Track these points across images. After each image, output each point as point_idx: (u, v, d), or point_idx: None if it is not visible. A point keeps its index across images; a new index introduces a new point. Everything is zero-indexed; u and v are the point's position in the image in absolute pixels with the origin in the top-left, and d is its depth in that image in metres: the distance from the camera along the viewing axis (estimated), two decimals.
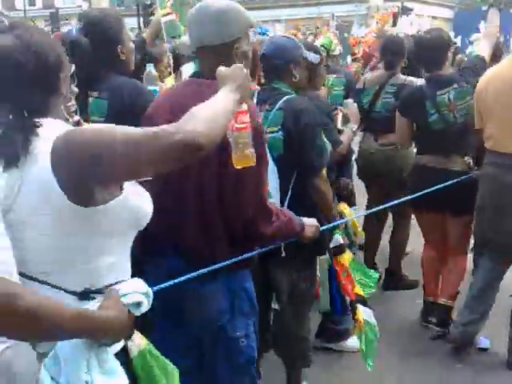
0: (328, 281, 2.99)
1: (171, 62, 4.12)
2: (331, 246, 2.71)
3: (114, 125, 1.43)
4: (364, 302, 2.75)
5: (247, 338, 2.23)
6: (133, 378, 1.52)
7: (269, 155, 2.28)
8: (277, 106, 2.62)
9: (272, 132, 2.59)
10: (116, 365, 1.45)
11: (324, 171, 2.74)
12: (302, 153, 2.59)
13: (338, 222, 2.84)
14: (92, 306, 1.42)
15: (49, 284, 1.43)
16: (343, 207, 3.38)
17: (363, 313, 2.69)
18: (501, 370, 3.37)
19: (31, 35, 1.49)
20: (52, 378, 1.39)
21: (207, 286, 2.06)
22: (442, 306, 3.74)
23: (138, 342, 1.57)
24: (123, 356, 1.51)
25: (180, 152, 1.34)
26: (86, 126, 1.69)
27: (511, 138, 3.20)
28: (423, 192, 3.20)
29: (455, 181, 3.34)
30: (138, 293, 1.46)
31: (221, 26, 2.06)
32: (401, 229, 4.51)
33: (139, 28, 13.94)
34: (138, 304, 1.46)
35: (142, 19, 14.67)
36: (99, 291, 1.46)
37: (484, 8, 23.39)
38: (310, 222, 2.38)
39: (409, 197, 3.31)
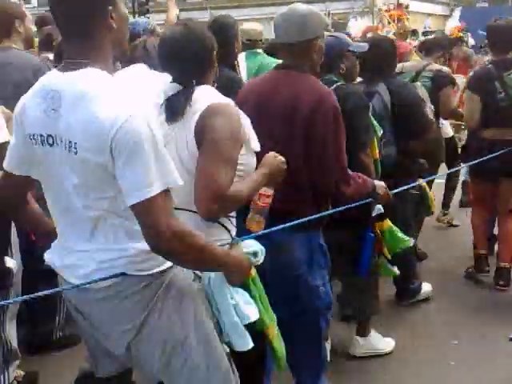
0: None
1: None
2: (373, 214, 3.01)
3: (237, 133, 1.96)
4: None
5: (325, 286, 2.66)
6: None
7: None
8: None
9: None
10: (249, 298, 1.97)
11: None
12: (351, 130, 2.83)
13: (412, 184, 3.28)
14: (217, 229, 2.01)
15: (191, 211, 1.94)
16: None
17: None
18: None
19: (194, 25, 2.08)
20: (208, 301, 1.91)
21: (291, 238, 2.48)
22: (504, 269, 4.27)
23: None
24: None
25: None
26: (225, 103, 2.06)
27: None
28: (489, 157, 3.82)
29: None
30: (253, 246, 1.99)
31: (305, 26, 2.51)
32: None
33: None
34: (255, 254, 1.97)
35: (137, 16, 14.66)
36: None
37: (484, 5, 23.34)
38: (379, 183, 2.77)
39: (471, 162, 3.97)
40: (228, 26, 3.58)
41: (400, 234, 3.16)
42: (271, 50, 4.50)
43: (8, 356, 2.96)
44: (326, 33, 2.95)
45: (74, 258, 1.77)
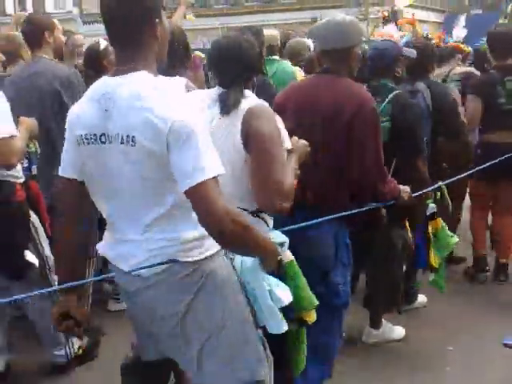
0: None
1: None
2: (427, 213, 3.25)
3: (280, 142, 2.19)
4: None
5: (345, 286, 2.78)
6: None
7: None
8: (387, 100, 3.19)
9: (381, 122, 3.06)
10: (281, 282, 2.06)
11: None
12: (410, 139, 3.19)
13: (426, 190, 3.31)
14: (257, 222, 2.18)
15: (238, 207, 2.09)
16: None
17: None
18: None
19: (246, 35, 2.39)
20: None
21: (320, 234, 2.62)
22: (504, 265, 4.49)
23: (288, 255, 2.19)
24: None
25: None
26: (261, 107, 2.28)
27: None
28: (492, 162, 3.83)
29: None
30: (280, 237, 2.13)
31: (344, 34, 2.71)
32: None
33: None
34: (281, 244, 2.08)
35: None
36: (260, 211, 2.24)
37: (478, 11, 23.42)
38: (404, 187, 2.92)
39: (478, 168, 3.89)
40: (258, 32, 3.66)
41: (449, 232, 3.43)
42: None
43: None
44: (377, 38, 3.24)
45: (126, 248, 1.89)
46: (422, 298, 4.09)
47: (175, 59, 2.90)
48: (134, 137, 1.76)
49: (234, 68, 2.26)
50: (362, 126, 2.63)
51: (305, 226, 2.44)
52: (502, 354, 3.47)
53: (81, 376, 3.29)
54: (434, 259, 3.41)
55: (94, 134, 1.84)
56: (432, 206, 3.21)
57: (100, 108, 1.82)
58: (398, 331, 3.65)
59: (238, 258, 2.04)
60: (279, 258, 2.02)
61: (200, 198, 1.71)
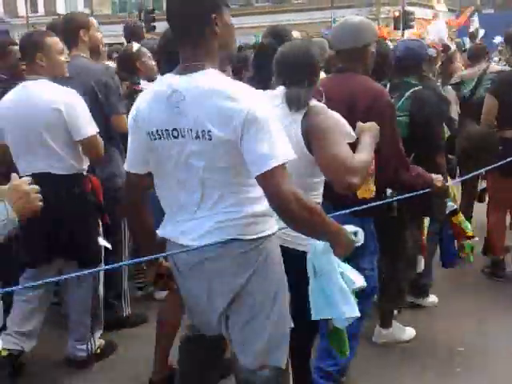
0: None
1: None
2: (448, 211, 3.33)
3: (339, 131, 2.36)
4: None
5: (372, 271, 2.91)
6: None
7: None
8: (405, 96, 3.29)
9: (399, 116, 3.14)
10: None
11: None
12: (428, 135, 3.27)
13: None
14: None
15: None
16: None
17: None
18: None
19: (310, 41, 2.81)
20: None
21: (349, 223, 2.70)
22: None
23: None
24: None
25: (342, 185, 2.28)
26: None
27: None
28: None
29: None
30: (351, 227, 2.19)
31: (358, 34, 2.85)
32: None
33: None
34: (355, 234, 2.14)
35: (143, 25, 14.72)
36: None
37: (490, 11, 23.31)
38: (437, 176, 3.01)
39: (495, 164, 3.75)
40: (285, 32, 3.75)
41: (468, 225, 3.52)
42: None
43: (95, 324, 3.33)
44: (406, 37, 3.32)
45: (188, 225, 2.02)
46: (433, 298, 4.08)
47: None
48: (209, 131, 1.87)
49: (305, 70, 2.44)
50: (378, 118, 2.66)
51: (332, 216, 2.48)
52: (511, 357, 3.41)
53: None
54: (466, 231, 3.50)
55: (166, 130, 1.96)
56: (451, 204, 3.30)
57: (170, 105, 1.93)
58: (409, 332, 3.64)
59: (311, 244, 2.15)
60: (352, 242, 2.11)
61: (271, 182, 1.84)
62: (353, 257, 2.64)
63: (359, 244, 2.17)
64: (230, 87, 1.89)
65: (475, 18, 9.67)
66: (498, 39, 7.11)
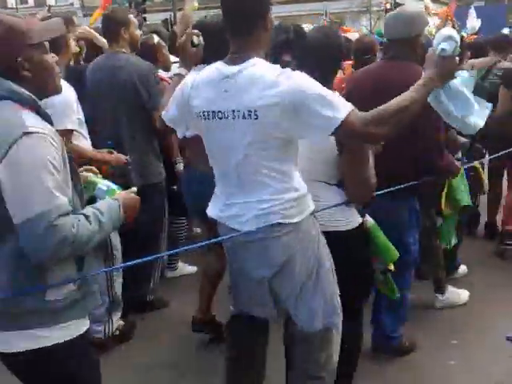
0: None
1: None
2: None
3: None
4: None
5: (415, 245, 3.27)
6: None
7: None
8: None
9: None
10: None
11: None
12: None
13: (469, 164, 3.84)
14: (340, 192, 2.57)
15: (326, 183, 2.57)
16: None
17: None
18: None
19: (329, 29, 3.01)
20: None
21: (394, 204, 3.02)
22: None
23: (370, 219, 2.73)
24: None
25: (362, 138, 2.26)
26: None
27: None
28: None
29: None
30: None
31: (411, 25, 3.08)
32: None
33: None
34: (442, 50, 2.28)
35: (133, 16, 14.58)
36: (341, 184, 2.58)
37: (480, 3, 23.40)
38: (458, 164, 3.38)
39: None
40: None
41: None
42: None
43: (112, 307, 3.47)
44: None
45: (236, 209, 2.25)
46: (462, 269, 4.43)
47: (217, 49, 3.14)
48: (256, 111, 2.09)
49: (332, 58, 2.63)
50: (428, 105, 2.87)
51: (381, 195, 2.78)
52: (507, 348, 3.48)
53: None
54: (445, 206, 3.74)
55: (213, 111, 2.19)
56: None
57: (219, 89, 2.17)
58: (464, 295, 3.95)
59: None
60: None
61: (346, 132, 2.10)
62: (397, 231, 3.02)
63: (450, 52, 2.27)
64: (272, 72, 2.12)
65: (472, 11, 9.69)
66: (506, 31, 7.08)
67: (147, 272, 3.97)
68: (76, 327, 1.85)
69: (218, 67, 2.22)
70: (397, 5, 22.82)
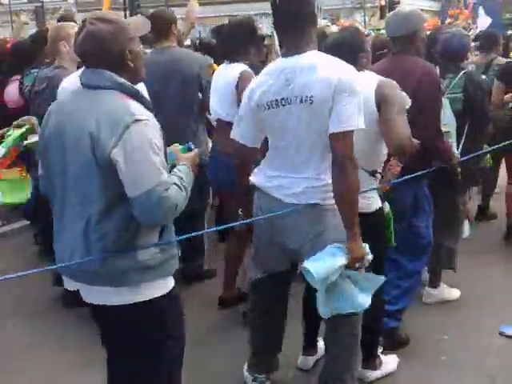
0: None
1: None
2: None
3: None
4: None
5: (427, 228, 3.49)
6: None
7: (450, 110, 3.67)
8: (459, 75, 3.86)
9: (454, 93, 3.81)
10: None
11: None
12: (479, 109, 3.87)
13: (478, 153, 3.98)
14: (371, 179, 2.84)
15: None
16: None
17: None
18: None
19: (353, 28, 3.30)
20: None
21: (401, 188, 3.14)
22: None
23: (387, 206, 2.97)
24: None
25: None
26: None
27: None
28: None
29: None
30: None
31: (408, 23, 3.36)
32: None
33: None
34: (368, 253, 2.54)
35: (128, 13, 14.50)
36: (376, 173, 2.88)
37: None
38: (457, 154, 3.60)
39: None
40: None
41: None
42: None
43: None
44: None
45: (283, 181, 2.58)
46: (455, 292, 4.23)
47: (247, 43, 3.78)
48: (312, 96, 2.42)
49: (356, 52, 2.87)
50: (427, 90, 3.20)
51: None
52: (498, 343, 3.51)
53: None
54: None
55: (276, 100, 2.52)
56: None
57: (281, 80, 2.50)
58: (455, 292, 4.05)
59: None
60: None
61: (342, 142, 2.38)
62: (407, 216, 3.22)
63: (366, 264, 2.53)
64: (327, 62, 2.47)
65: (481, 11, 9.81)
66: None
67: (200, 245, 4.33)
68: (164, 284, 2.16)
69: (278, 61, 2.60)
70: (391, 2, 22.86)
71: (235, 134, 2.73)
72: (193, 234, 2.55)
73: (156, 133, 2.04)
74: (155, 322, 2.17)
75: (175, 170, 2.18)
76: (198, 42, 6.56)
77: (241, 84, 3.49)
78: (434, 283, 4.02)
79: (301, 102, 2.44)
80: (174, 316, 2.24)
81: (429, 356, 3.38)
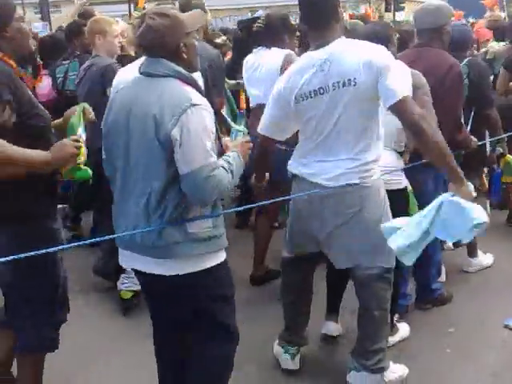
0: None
1: None
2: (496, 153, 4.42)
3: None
4: None
5: None
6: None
7: None
8: (463, 62, 3.96)
9: None
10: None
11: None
12: (482, 93, 4.02)
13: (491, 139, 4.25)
14: (400, 158, 3.15)
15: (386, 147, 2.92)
16: None
17: None
18: None
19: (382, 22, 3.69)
20: None
21: (420, 174, 3.31)
22: None
23: (409, 186, 3.17)
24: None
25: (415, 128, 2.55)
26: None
27: None
28: None
29: None
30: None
31: (436, 16, 3.52)
32: None
33: (130, 15, 13.67)
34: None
35: (132, 6, 14.45)
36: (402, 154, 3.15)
37: None
38: (472, 138, 3.74)
39: None
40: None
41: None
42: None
43: None
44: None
45: (324, 166, 2.69)
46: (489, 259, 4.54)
47: (282, 33, 3.99)
48: (355, 78, 2.54)
49: (385, 43, 2.89)
50: (451, 83, 3.38)
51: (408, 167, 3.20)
52: (503, 337, 3.49)
53: None
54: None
55: (314, 90, 2.63)
56: (499, 149, 4.34)
57: (316, 71, 2.62)
58: (489, 258, 4.45)
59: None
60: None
61: (402, 107, 2.48)
62: (425, 198, 3.18)
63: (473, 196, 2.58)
64: (361, 45, 2.62)
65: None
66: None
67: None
68: (216, 257, 2.33)
69: (309, 54, 2.69)
70: None
71: (262, 127, 2.87)
72: (224, 212, 2.62)
73: (210, 118, 2.19)
74: (214, 287, 2.36)
75: (225, 155, 2.35)
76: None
77: (287, 66, 3.52)
78: (472, 254, 4.39)
79: (343, 85, 2.56)
80: (228, 280, 2.45)
81: (434, 349, 3.36)
